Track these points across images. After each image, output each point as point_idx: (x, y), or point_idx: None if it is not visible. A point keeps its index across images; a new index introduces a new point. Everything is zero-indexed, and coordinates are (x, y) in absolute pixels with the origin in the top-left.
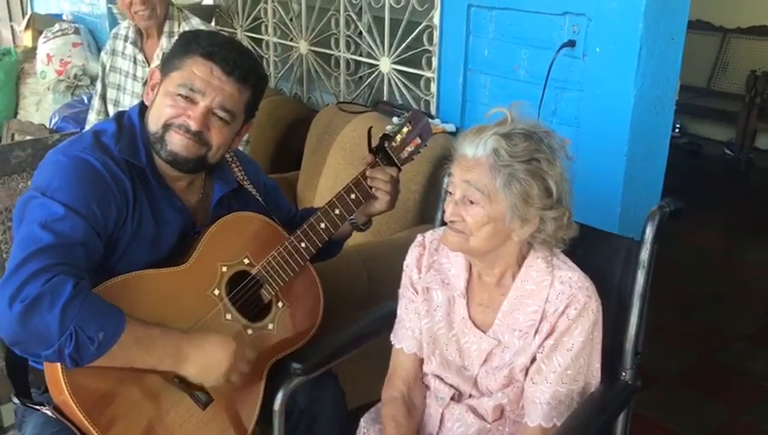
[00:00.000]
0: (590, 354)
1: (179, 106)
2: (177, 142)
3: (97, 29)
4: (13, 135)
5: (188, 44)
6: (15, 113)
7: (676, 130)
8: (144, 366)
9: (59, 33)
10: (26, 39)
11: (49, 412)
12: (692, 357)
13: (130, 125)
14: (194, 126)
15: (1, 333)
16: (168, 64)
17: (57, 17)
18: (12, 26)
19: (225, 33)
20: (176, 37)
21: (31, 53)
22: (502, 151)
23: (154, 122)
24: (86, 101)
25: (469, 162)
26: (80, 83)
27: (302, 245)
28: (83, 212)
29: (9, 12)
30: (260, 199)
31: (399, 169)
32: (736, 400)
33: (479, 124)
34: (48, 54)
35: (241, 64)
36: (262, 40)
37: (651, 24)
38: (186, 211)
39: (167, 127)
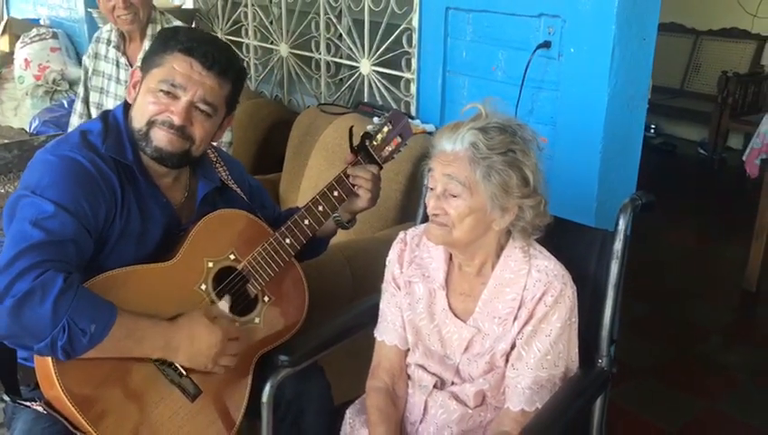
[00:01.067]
0: (568, 340)
1: (161, 102)
2: (161, 138)
3: (75, 33)
4: None
5: (167, 41)
6: None
7: (651, 131)
8: (135, 356)
9: (36, 38)
10: (3, 44)
11: (40, 408)
12: (667, 350)
13: (116, 124)
14: (177, 121)
15: None
16: (148, 62)
17: (34, 22)
18: None
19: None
20: None
21: (8, 58)
22: (480, 144)
23: (138, 120)
24: (66, 105)
25: (448, 157)
26: (58, 88)
27: (287, 241)
28: (73, 209)
29: None
30: (245, 198)
31: (381, 167)
32: (710, 391)
33: (454, 121)
34: (26, 59)
35: (220, 58)
36: (242, 43)
37: (623, 25)
38: (170, 208)
39: (151, 124)
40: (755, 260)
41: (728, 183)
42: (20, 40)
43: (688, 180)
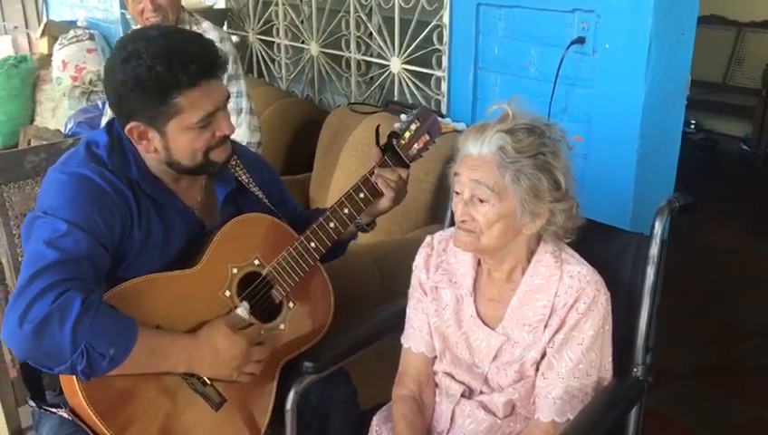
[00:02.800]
0: (601, 348)
1: (205, 133)
2: (221, 155)
3: (111, 35)
4: (29, 141)
5: (163, 91)
6: (32, 120)
7: (692, 127)
8: (158, 372)
9: (74, 40)
10: (42, 46)
11: (65, 414)
12: (708, 354)
13: (119, 137)
14: (229, 132)
15: (14, 351)
16: (151, 118)
17: (72, 24)
18: (28, 34)
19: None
20: None
21: (47, 60)
22: (508, 148)
23: (189, 159)
24: (101, 105)
25: (475, 161)
26: (95, 89)
27: (312, 244)
28: (86, 227)
29: (25, 19)
30: (265, 201)
31: (408, 167)
32: (752, 396)
33: (480, 122)
34: (63, 61)
35: (208, 60)
36: (273, 42)
37: (661, 19)
38: (188, 212)
39: (207, 152)
40: None
41: None
42: (58, 42)
43: (730, 177)
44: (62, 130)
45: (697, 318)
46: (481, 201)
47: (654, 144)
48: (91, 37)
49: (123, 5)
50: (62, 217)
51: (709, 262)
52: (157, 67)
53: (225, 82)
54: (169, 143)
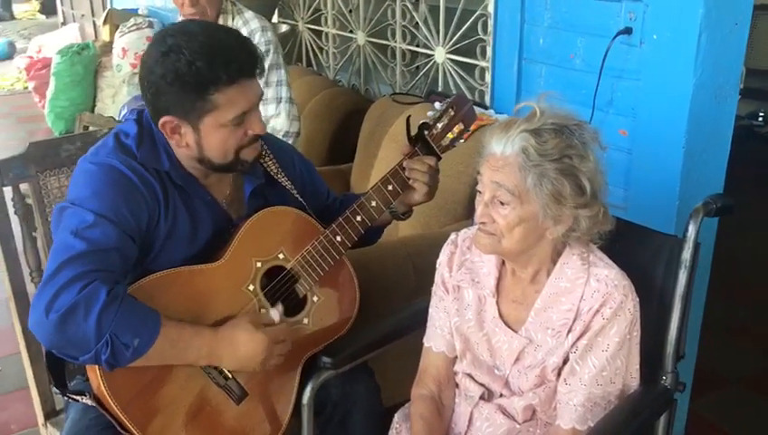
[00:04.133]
0: (627, 356)
1: (239, 131)
2: (251, 153)
3: (169, 22)
4: (85, 127)
5: (200, 85)
6: (93, 106)
7: (759, 119)
8: (180, 364)
9: (134, 28)
10: (105, 33)
11: (89, 402)
12: (761, 358)
13: (149, 128)
14: (261, 132)
15: (40, 339)
16: (187, 111)
17: (133, 12)
18: (94, 21)
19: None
20: None
21: (108, 48)
22: (531, 150)
23: (220, 157)
24: None
25: (498, 161)
26: None
27: (338, 238)
28: (113, 218)
29: (92, 8)
30: (295, 193)
31: (439, 158)
32: None
33: (508, 117)
34: (123, 48)
35: (247, 59)
36: (321, 32)
37: (712, 8)
38: (216, 206)
39: (238, 151)
40: None
41: None
42: (119, 30)
43: None
44: (116, 117)
45: (753, 321)
46: (502, 204)
47: (702, 140)
48: (150, 25)
49: None
50: (90, 207)
51: (761, 265)
52: (197, 62)
53: (265, 71)
54: (202, 140)
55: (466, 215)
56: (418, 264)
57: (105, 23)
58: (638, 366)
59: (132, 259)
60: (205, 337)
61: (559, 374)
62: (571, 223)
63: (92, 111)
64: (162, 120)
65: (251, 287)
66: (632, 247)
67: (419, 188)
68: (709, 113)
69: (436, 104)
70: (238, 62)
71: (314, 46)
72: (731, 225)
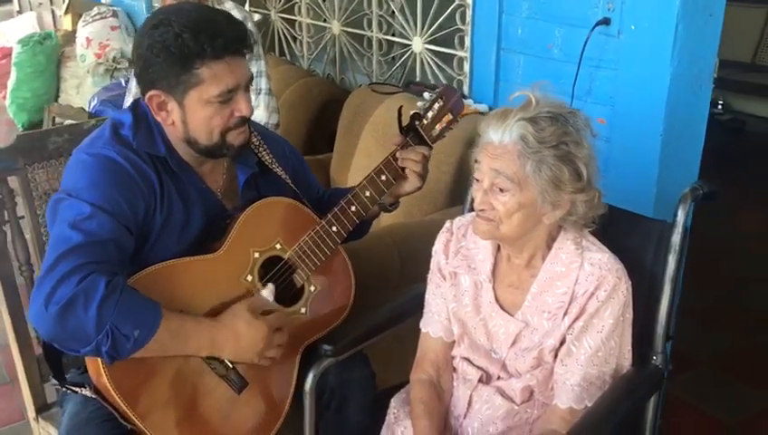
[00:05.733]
0: (620, 336)
1: (224, 110)
2: (238, 138)
3: (134, 12)
4: (53, 118)
5: (185, 58)
6: (57, 97)
7: (719, 107)
8: (181, 355)
9: (97, 17)
10: (66, 23)
11: (89, 393)
12: (730, 340)
13: (145, 115)
14: (248, 114)
15: (40, 332)
16: (171, 85)
17: (96, 1)
18: (53, 10)
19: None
20: None
21: (71, 37)
22: (529, 138)
23: (205, 137)
24: (124, 83)
25: (496, 149)
26: (118, 66)
27: (334, 229)
28: (110, 209)
29: None
30: (289, 181)
31: (431, 148)
32: None
33: (503, 107)
34: (87, 38)
35: (236, 36)
36: (295, 21)
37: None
38: (210, 194)
39: (224, 133)
40: None
41: None
42: (82, 19)
43: (759, 159)
44: (86, 108)
45: (724, 305)
46: (501, 190)
47: (679, 128)
48: (115, 14)
49: None
50: (87, 199)
51: (736, 247)
52: (184, 35)
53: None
54: (187, 116)
55: (448, 203)
56: (403, 251)
57: (67, 12)
58: (630, 347)
59: (130, 250)
60: (205, 327)
61: (555, 356)
62: (569, 208)
63: (56, 101)
64: (149, 93)
65: (249, 278)
66: (622, 232)
67: (412, 178)
68: (685, 102)
69: (425, 95)
70: (225, 37)
71: (287, 36)
72: (698, 210)
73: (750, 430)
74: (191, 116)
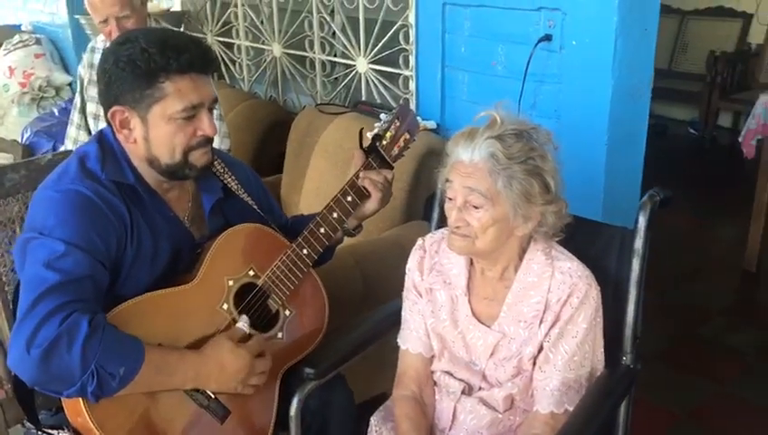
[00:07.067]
0: (593, 340)
1: (187, 128)
2: (201, 158)
3: (59, 39)
4: None
5: (150, 72)
6: None
7: None
8: (166, 389)
9: (20, 45)
10: None
11: None
12: (672, 335)
13: (110, 145)
14: (211, 134)
15: (22, 377)
16: (135, 99)
17: (16, 28)
18: None
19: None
20: None
21: None
22: (499, 154)
23: (167, 155)
24: (56, 113)
25: (467, 168)
26: (45, 95)
27: (305, 251)
28: (84, 245)
29: None
30: (255, 207)
31: (392, 168)
32: (718, 373)
33: (468, 127)
34: (10, 67)
35: (201, 55)
36: (233, 44)
37: (626, 15)
38: (177, 222)
39: (187, 152)
40: (755, 240)
41: (720, 162)
42: (2, 47)
43: (680, 160)
44: (19, 140)
45: (662, 302)
46: (475, 207)
47: (622, 136)
48: (38, 42)
49: (76, 10)
50: (59, 236)
51: (666, 246)
52: (150, 49)
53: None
54: (150, 133)
55: (404, 219)
56: (366, 270)
57: None
58: (602, 349)
59: (105, 286)
60: (190, 360)
61: (534, 363)
62: (540, 219)
63: None
64: (112, 109)
65: (225, 306)
66: (587, 241)
67: (375, 196)
68: (627, 112)
69: (382, 116)
70: (190, 53)
71: (226, 59)
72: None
73: (702, 418)
74: (154, 132)
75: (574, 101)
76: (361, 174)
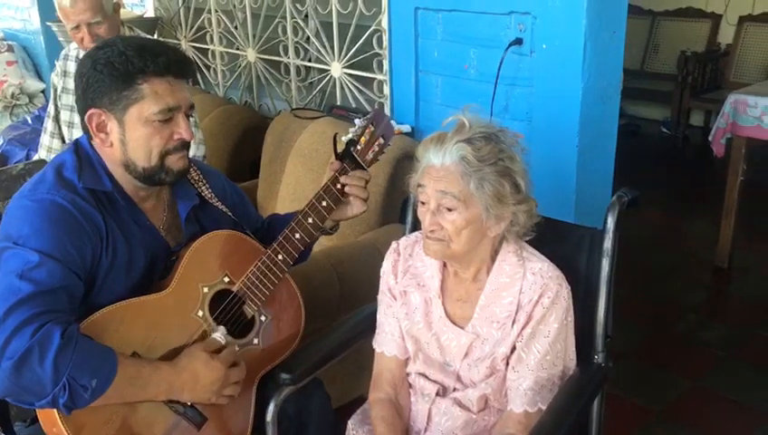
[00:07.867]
0: (565, 339)
1: (164, 131)
2: (178, 162)
3: (31, 46)
4: None
5: (128, 74)
6: None
7: None
8: (139, 400)
9: None
10: None
11: None
12: (645, 331)
13: (86, 153)
14: (188, 138)
15: None
16: (112, 102)
17: None
18: None
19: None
20: None
21: None
22: (470, 157)
23: (143, 158)
24: (30, 121)
25: (439, 172)
26: (18, 102)
27: (280, 257)
28: (58, 256)
29: None
30: (229, 214)
31: (367, 172)
32: (691, 368)
33: (437, 132)
34: None
35: (177, 59)
36: (207, 50)
37: (594, 18)
38: (154, 231)
39: (164, 155)
40: (725, 237)
41: (692, 160)
42: None
43: (653, 159)
44: None
45: (630, 297)
46: (448, 210)
47: (593, 138)
48: (10, 49)
49: (47, 17)
50: (33, 246)
51: (637, 241)
52: (128, 52)
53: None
54: (126, 135)
55: (380, 223)
56: (342, 273)
57: None
58: (574, 348)
59: (79, 297)
60: (163, 372)
61: (507, 363)
62: (512, 219)
63: None
64: (89, 112)
65: (200, 313)
66: (557, 241)
67: (355, 202)
68: (597, 114)
69: (356, 120)
70: (168, 57)
71: (200, 64)
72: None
73: (677, 413)
74: (130, 135)
75: (545, 104)
76: (341, 179)
